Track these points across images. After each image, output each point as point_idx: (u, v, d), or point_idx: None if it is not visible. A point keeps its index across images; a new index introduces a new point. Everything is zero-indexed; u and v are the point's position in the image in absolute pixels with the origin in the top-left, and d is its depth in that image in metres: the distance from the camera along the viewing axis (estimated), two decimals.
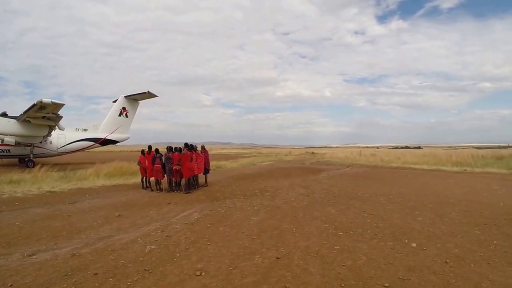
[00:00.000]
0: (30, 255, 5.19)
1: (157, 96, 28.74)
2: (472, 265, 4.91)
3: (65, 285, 4.11)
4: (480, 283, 4.26)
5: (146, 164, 12.83)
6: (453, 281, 4.33)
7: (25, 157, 23.23)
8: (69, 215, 8.06)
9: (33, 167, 18.93)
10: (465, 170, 22.83)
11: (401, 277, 4.46)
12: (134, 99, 29.14)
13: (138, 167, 13.51)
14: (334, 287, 4.18)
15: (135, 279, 4.34)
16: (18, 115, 21.04)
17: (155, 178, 12.58)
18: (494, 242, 6.05)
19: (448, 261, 5.06)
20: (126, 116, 28.91)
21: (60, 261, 4.91)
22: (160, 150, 13.50)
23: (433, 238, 6.32)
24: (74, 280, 4.26)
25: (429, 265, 4.88)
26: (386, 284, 4.23)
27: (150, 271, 4.59)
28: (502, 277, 4.47)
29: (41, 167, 15.84)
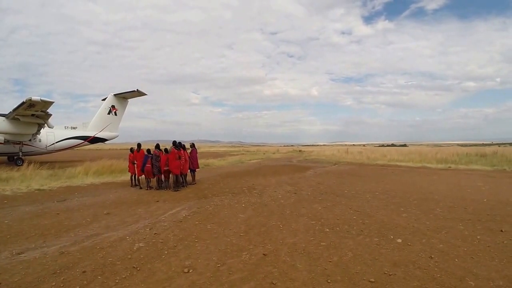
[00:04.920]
0: (18, 253, 5.19)
1: (146, 94, 28.64)
2: (456, 259, 5.01)
3: (54, 283, 4.12)
4: (464, 277, 4.34)
5: (135, 162, 12.90)
6: (438, 275, 4.41)
7: (14, 155, 22.87)
8: (58, 213, 8.04)
9: (22, 165, 18.72)
10: (450, 167, 23.30)
11: (386, 272, 4.52)
12: (123, 97, 29.00)
13: (127, 165, 13.55)
14: (320, 283, 4.22)
15: (124, 276, 4.37)
16: (7, 113, 20.71)
17: (145, 176, 12.63)
18: (478, 237, 6.19)
19: (432, 256, 5.16)
20: (115, 114, 28.74)
21: (49, 259, 4.92)
22: (151, 150, 13.55)
23: (418, 233, 6.45)
24: (62, 278, 4.28)
25: (414, 260, 4.97)
26: (372, 279, 4.29)
27: (138, 269, 4.62)
28: (485, 271, 4.56)
29: (30, 165, 15.67)
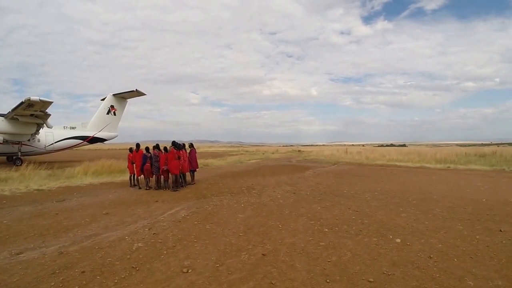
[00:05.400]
0: (17, 254, 5.18)
1: (145, 94, 28.66)
2: (455, 259, 5.00)
3: (53, 283, 4.12)
4: (463, 277, 4.33)
5: (134, 162, 12.91)
6: (437, 275, 4.40)
7: (13, 155, 22.87)
8: (57, 213, 8.03)
9: (20, 165, 18.71)
10: (449, 167, 23.32)
11: (385, 272, 4.52)
12: (122, 97, 28.99)
13: (126, 165, 13.58)
14: (319, 283, 4.21)
15: (122, 276, 4.36)
16: (5, 113, 20.70)
17: (144, 176, 12.63)
18: (477, 237, 6.19)
19: (431, 256, 5.15)
20: (114, 114, 28.75)
21: (48, 259, 4.91)
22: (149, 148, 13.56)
23: (417, 233, 6.44)
24: (61, 278, 4.27)
25: (413, 260, 4.96)
26: (371, 279, 4.28)
27: (137, 269, 4.62)
28: (484, 271, 4.56)
29: (29, 165, 15.65)
